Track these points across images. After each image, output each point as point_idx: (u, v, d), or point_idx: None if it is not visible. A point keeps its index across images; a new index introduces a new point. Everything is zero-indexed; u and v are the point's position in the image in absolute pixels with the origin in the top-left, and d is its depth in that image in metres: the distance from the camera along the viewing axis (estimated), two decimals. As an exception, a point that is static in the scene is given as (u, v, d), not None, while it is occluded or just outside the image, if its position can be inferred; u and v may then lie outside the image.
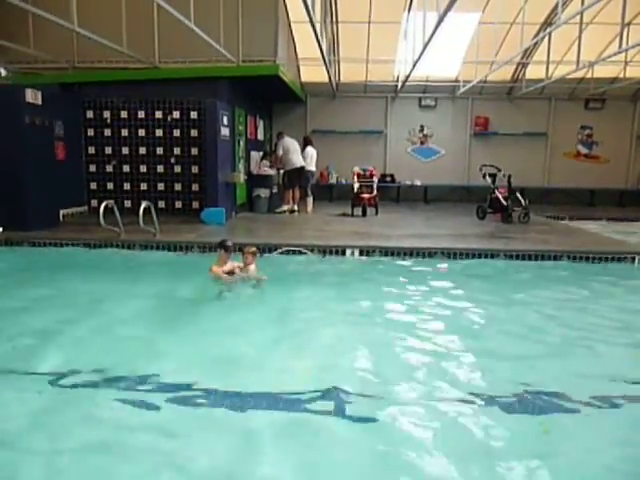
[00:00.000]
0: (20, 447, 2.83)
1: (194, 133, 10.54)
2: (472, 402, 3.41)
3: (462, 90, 13.79)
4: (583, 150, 15.36)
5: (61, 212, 9.62)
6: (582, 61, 9.60)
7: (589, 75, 13.37)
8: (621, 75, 13.67)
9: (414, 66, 10.50)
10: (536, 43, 12.08)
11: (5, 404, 3.29)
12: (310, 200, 12.06)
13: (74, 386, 3.54)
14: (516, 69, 14.57)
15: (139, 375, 3.65)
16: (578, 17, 8.46)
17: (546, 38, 10.53)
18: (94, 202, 10.61)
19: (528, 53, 13.43)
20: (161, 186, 10.79)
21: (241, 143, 11.55)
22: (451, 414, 3.24)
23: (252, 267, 5.87)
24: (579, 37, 9.34)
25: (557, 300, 5.82)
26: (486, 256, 7.48)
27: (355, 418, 3.18)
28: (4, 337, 4.37)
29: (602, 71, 13.35)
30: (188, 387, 3.50)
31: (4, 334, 4.44)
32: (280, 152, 11.77)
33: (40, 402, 3.31)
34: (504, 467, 2.71)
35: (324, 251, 7.63)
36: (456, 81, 14.40)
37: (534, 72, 13.45)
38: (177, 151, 10.66)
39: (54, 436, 2.94)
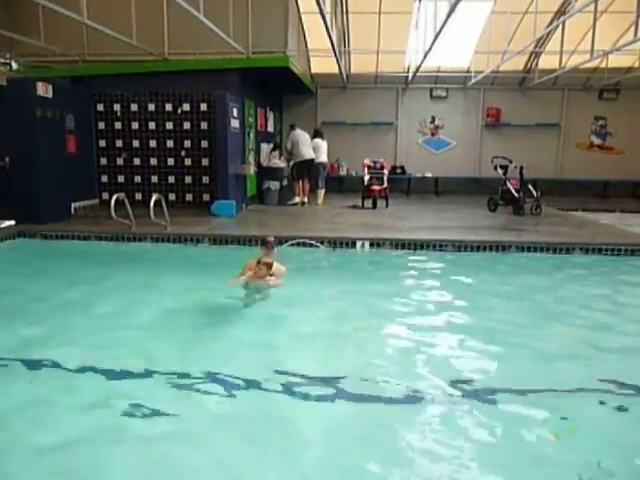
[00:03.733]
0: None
1: (204, 125, 10.54)
2: (478, 395, 3.40)
3: (474, 81, 13.64)
4: (597, 141, 15.16)
5: (73, 205, 9.65)
6: (596, 50, 9.41)
7: (603, 65, 13.17)
8: (636, 64, 13.46)
9: (425, 57, 10.40)
10: (549, 32, 11.91)
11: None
12: (321, 192, 12.04)
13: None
14: (529, 59, 14.38)
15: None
16: (592, 5, 8.31)
17: (559, 27, 10.35)
18: (105, 195, 10.66)
19: (541, 43, 13.24)
20: (171, 179, 10.82)
21: (251, 135, 11.54)
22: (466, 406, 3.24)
23: (273, 279, 5.28)
24: (593, 26, 9.16)
25: (571, 292, 5.78)
26: (497, 248, 7.43)
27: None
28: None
29: (617, 61, 13.13)
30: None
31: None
32: (288, 145, 11.76)
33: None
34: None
35: (334, 243, 7.62)
36: (468, 71, 14.24)
37: (547, 62, 13.24)
38: (187, 144, 10.67)
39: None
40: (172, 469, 2.64)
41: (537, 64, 13.81)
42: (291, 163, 11.93)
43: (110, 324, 4.63)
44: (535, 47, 13.06)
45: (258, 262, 5.15)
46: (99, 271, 6.43)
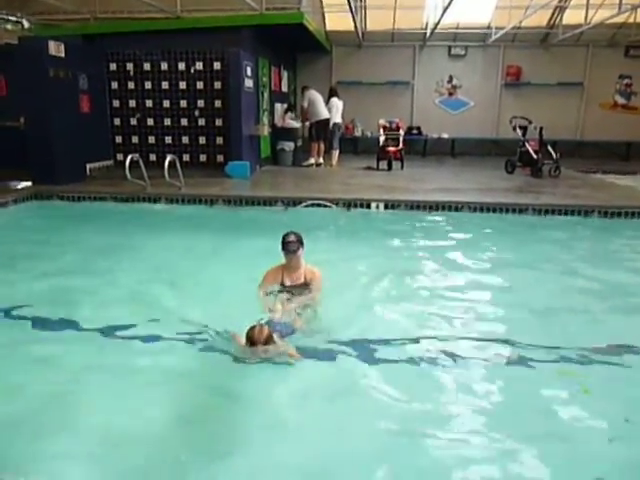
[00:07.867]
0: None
1: (217, 85, 10.39)
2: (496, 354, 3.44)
3: (494, 37, 13.21)
4: (621, 100, 14.70)
5: (88, 166, 9.68)
6: (624, 4, 9.05)
7: (631, 20, 12.65)
8: (666, 19, 12.88)
9: (444, 12, 10.08)
10: (575, -15, 11.43)
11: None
12: (336, 153, 11.89)
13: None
14: (552, 14, 13.80)
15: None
16: (622, -44, 7.95)
17: (586, -21, 9.94)
18: (119, 156, 10.65)
19: (566, -4, 12.72)
20: (185, 139, 10.76)
21: (265, 95, 11.37)
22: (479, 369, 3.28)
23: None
24: (622, -22, 8.80)
25: (583, 256, 5.74)
26: (514, 211, 7.33)
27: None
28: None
29: (645, 15, 12.60)
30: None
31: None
32: (305, 104, 11.56)
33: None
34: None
35: (349, 204, 7.57)
36: (488, 28, 13.78)
37: (572, 17, 12.73)
38: (201, 103, 10.55)
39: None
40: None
41: (561, 19, 13.28)
42: (309, 123, 11.74)
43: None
44: (560, 1, 12.55)
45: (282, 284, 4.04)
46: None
